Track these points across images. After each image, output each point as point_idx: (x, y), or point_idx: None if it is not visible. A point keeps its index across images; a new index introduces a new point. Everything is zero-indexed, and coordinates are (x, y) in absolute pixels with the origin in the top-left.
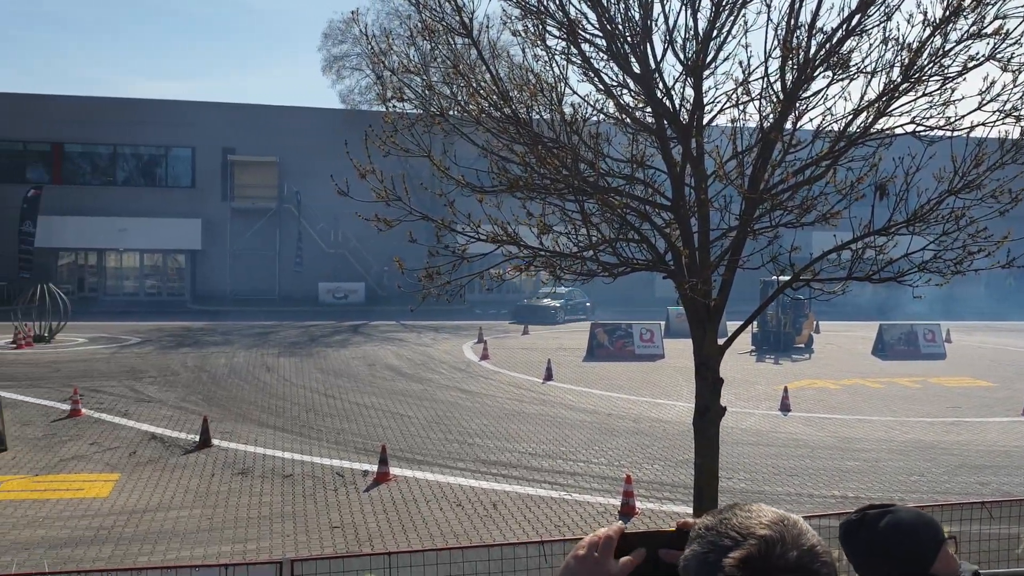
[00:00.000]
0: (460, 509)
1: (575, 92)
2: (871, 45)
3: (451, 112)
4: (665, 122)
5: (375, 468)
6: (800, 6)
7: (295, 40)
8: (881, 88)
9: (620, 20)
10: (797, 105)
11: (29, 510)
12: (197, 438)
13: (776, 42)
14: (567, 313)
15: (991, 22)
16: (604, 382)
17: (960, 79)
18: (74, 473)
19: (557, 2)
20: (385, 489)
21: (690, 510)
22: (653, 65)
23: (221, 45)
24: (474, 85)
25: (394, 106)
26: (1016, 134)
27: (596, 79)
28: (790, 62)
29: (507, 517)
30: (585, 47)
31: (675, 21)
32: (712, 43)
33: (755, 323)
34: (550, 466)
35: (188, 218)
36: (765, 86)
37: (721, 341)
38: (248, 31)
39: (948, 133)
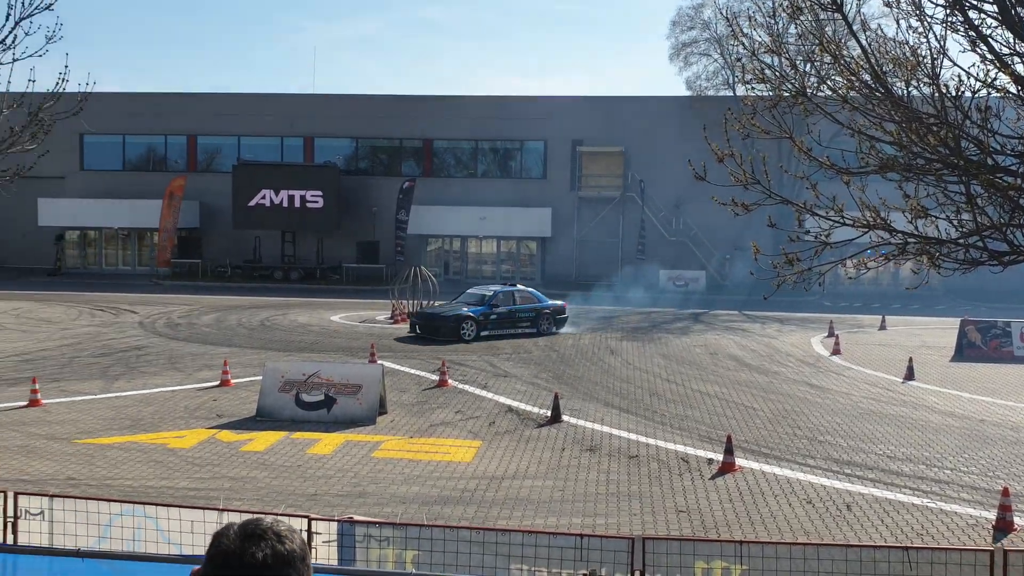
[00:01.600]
0: (811, 507)
1: (955, 64)
2: None
3: (813, 91)
4: None
5: (720, 457)
6: None
7: (640, 30)
8: None
9: None
10: None
11: (405, 468)
12: (549, 413)
13: None
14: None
15: None
16: (975, 385)
17: None
18: (442, 438)
19: None
20: (731, 479)
21: None
22: None
23: (571, 39)
24: (843, 61)
25: (752, 88)
26: None
27: (984, 48)
28: None
29: (862, 519)
30: (972, 14)
31: None
32: None
33: None
34: (911, 471)
35: (540, 207)
36: None
37: None
38: (595, 24)
39: None
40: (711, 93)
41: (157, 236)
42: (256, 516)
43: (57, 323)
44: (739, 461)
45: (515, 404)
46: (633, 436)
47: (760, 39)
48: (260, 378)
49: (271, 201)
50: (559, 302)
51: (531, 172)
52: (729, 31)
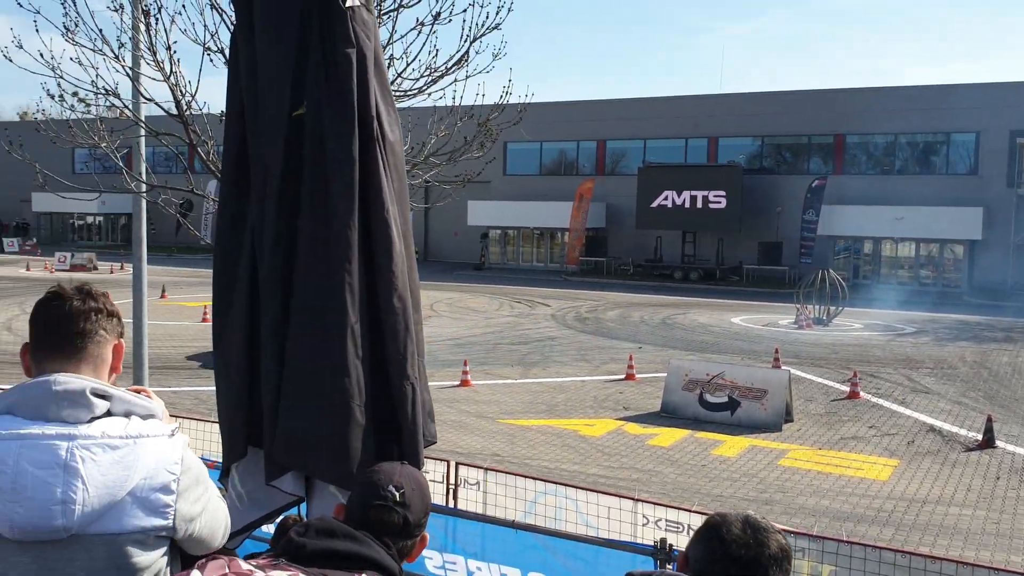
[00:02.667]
0: None
1: None
2: None
3: None
4: None
5: None
6: None
7: None
8: None
9: None
10: None
11: (814, 480)
12: (979, 436)
13: None
14: None
15: None
16: None
17: None
18: (853, 452)
19: None
20: None
21: None
22: None
23: (1003, 18)
24: None
25: None
26: None
27: None
28: None
29: None
30: None
31: None
32: None
33: None
34: None
35: (967, 206)
36: None
37: None
38: None
39: None
40: None
41: (567, 235)
42: (747, 512)
43: (482, 312)
44: None
45: (938, 423)
46: None
47: None
48: (663, 374)
49: (673, 202)
50: None
51: (957, 167)
52: None
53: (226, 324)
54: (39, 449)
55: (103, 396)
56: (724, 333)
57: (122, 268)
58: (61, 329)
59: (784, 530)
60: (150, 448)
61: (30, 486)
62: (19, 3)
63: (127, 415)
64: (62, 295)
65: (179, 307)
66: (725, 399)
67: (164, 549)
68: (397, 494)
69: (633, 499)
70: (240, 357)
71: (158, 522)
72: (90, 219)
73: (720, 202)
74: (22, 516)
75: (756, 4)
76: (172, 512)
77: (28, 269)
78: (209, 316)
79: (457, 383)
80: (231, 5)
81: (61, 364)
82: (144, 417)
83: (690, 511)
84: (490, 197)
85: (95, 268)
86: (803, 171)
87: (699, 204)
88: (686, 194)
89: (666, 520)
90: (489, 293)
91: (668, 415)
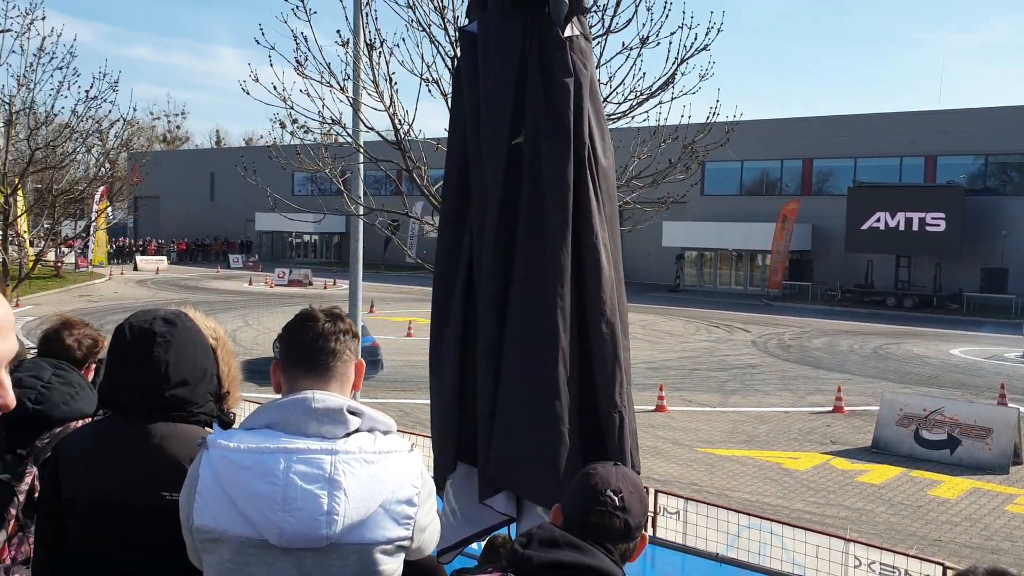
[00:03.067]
0: None
1: None
2: None
3: None
4: None
5: None
6: None
7: None
8: None
9: None
10: None
11: None
12: None
13: None
14: None
15: None
16: None
17: None
18: None
19: None
20: None
21: None
22: None
23: None
24: None
25: None
26: None
27: None
28: None
29: None
30: None
31: None
32: None
33: None
34: None
35: None
36: None
37: None
38: None
39: None
40: None
41: (769, 258)
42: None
43: (677, 336)
44: None
45: None
46: None
47: None
48: (874, 408)
49: (886, 224)
50: None
51: None
52: None
53: (442, 344)
54: (306, 463)
55: (356, 413)
56: (942, 365)
57: (335, 283)
58: (314, 349)
59: None
60: (397, 463)
61: (299, 498)
62: (256, 40)
63: (371, 431)
64: (315, 317)
65: (386, 321)
66: (944, 436)
67: (402, 557)
68: (616, 499)
69: (844, 539)
70: (453, 377)
71: (401, 532)
72: (306, 238)
73: (939, 225)
74: (292, 526)
75: (978, 14)
76: (412, 523)
77: (250, 284)
78: (414, 331)
79: (652, 408)
80: (447, 38)
81: (313, 382)
82: (385, 433)
83: (907, 555)
84: (686, 218)
85: (310, 283)
86: None
87: (915, 227)
88: (900, 216)
89: (880, 564)
90: (684, 316)
91: (880, 451)
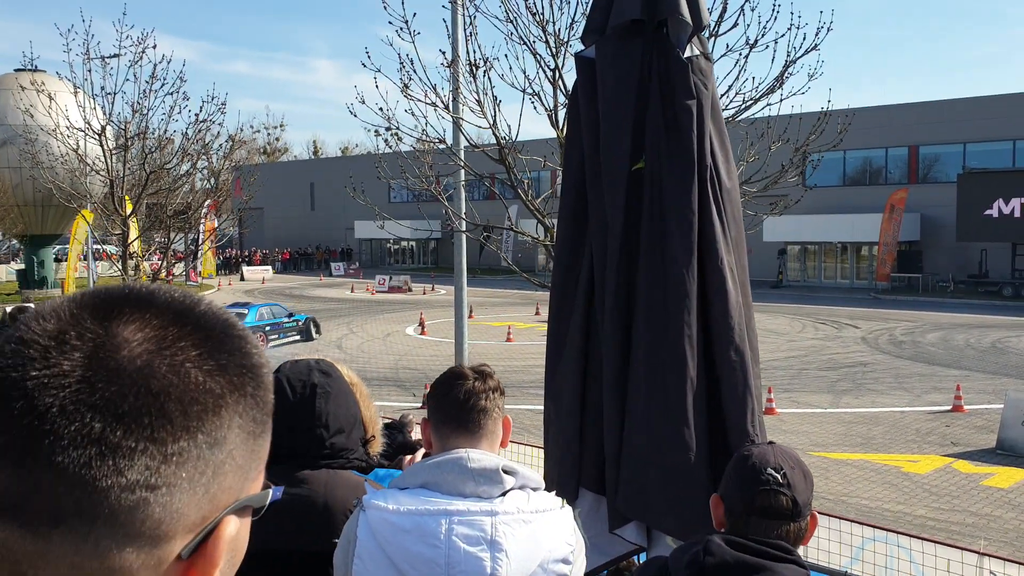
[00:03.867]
0: None
1: None
2: None
3: None
4: None
5: None
6: None
7: None
8: None
9: None
10: None
11: None
12: None
13: None
14: None
15: None
16: None
17: None
18: None
19: None
20: None
21: None
22: None
23: None
24: None
25: None
26: None
27: None
28: None
29: None
30: None
31: None
32: None
33: None
34: None
35: None
36: None
37: None
38: None
39: None
40: None
41: (876, 249)
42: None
43: (783, 334)
44: None
45: None
46: None
47: None
48: (996, 406)
49: (1000, 211)
50: None
51: None
52: None
53: (561, 367)
54: (468, 524)
55: (510, 472)
56: None
57: (433, 289)
58: (465, 407)
59: None
60: (552, 521)
61: (463, 560)
62: (363, 63)
63: (523, 488)
64: (464, 376)
65: (486, 326)
66: None
67: None
68: (779, 475)
69: (978, 552)
70: (573, 403)
71: None
72: (404, 244)
73: None
74: None
75: None
76: None
77: (352, 291)
78: (513, 336)
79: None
80: (548, 51)
81: (465, 440)
82: (535, 490)
83: None
84: (788, 211)
85: (410, 289)
86: None
87: None
88: (1016, 201)
89: None
90: (789, 313)
91: (1005, 452)
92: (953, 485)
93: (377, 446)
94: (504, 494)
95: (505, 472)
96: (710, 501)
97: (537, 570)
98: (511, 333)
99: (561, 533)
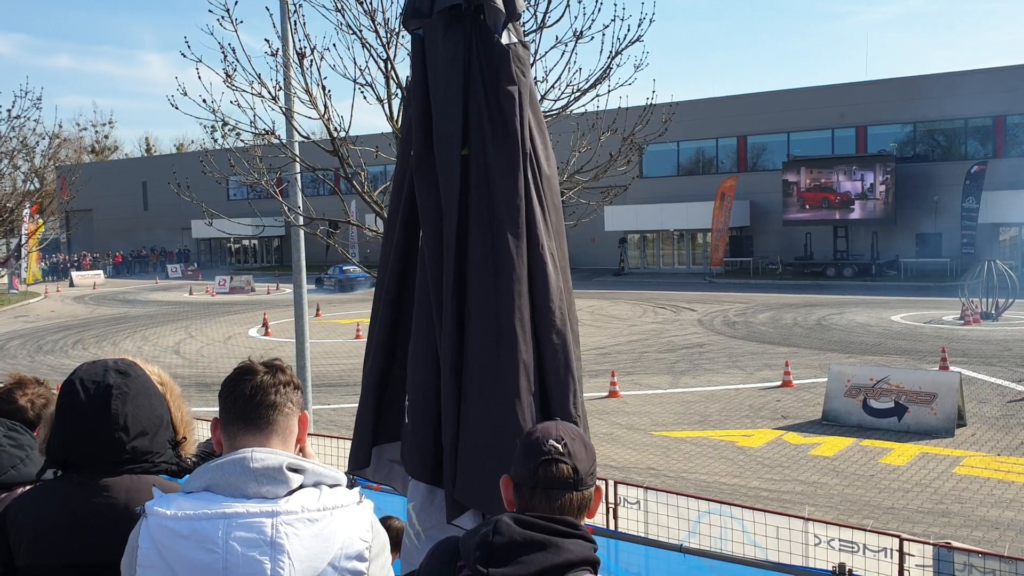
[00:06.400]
0: None
1: None
2: None
3: None
4: None
5: None
6: None
7: None
8: None
9: None
10: None
11: (994, 489)
12: None
13: None
14: None
15: None
16: None
17: None
18: None
19: None
20: None
21: None
22: None
23: None
24: None
25: None
26: None
27: None
28: None
29: None
30: None
31: None
32: None
33: None
34: None
35: None
36: None
37: None
38: None
39: None
40: None
41: (709, 236)
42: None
43: (625, 320)
44: None
45: None
46: None
47: None
48: (822, 380)
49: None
50: None
51: None
52: None
53: (371, 348)
54: (246, 528)
55: (297, 470)
56: (885, 333)
57: (277, 288)
58: (253, 403)
59: (970, 549)
60: (344, 517)
61: (241, 565)
62: (183, 53)
63: (316, 485)
64: (253, 370)
65: (334, 325)
66: (891, 404)
67: None
68: (559, 445)
69: (803, 518)
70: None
71: None
72: (245, 243)
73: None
74: None
75: None
76: None
77: (191, 293)
78: (362, 333)
79: (605, 394)
80: (379, 41)
81: (254, 438)
82: (332, 486)
83: (864, 530)
84: (627, 201)
85: (252, 290)
86: (959, 157)
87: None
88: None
89: (839, 540)
90: (631, 299)
91: (830, 423)
92: (784, 456)
93: (190, 448)
94: (292, 493)
95: (291, 470)
96: (500, 482)
97: (328, 569)
98: (360, 330)
99: (355, 529)
